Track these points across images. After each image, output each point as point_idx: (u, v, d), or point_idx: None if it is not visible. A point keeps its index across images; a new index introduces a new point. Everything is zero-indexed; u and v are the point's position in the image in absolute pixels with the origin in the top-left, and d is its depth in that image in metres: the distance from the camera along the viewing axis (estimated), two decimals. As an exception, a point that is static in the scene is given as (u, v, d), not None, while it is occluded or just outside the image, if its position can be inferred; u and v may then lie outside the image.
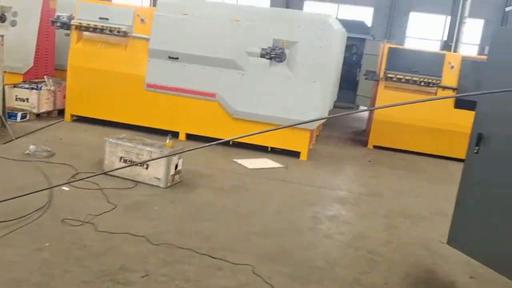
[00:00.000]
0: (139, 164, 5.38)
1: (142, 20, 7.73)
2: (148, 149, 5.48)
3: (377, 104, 8.72)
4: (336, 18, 18.60)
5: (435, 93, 8.43)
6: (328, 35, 7.20)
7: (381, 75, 8.64)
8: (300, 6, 25.13)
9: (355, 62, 14.30)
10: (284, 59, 7.33)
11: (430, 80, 8.35)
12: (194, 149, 3.96)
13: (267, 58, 7.30)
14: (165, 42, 7.53)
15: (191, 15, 7.46)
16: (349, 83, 13.71)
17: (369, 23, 24.84)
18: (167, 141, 5.62)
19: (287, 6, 25.11)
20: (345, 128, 10.99)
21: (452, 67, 8.39)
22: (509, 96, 3.47)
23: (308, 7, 25.26)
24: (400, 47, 9.21)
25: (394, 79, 8.48)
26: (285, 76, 7.32)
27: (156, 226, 4.49)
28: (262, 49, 7.28)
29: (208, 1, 8.47)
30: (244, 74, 7.40)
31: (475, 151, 3.84)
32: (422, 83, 8.37)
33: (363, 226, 5.15)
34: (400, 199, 6.22)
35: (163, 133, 6.52)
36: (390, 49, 8.69)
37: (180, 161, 5.63)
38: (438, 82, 8.37)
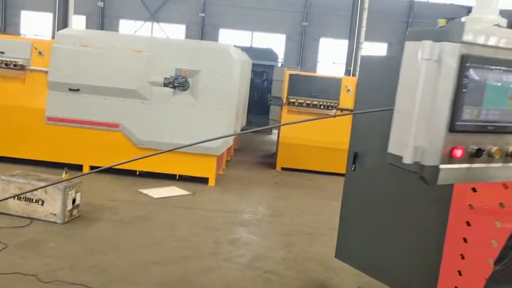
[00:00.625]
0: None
1: (40, 52, 7.57)
2: (42, 184, 5.32)
3: (282, 129, 9.07)
4: (250, 46, 19.01)
5: (335, 116, 8.92)
6: (229, 63, 7.45)
7: (284, 100, 9.03)
8: (215, 35, 25.59)
9: (266, 88, 14.80)
10: (188, 88, 7.46)
11: (329, 104, 8.84)
12: (80, 175, 3.94)
13: (170, 87, 7.38)
14: (64, 74, 7.40)
15: (91, 46, 7.42)
16: (261, 108, 14.16)
17: (282, 49, 25.84)
18: (63, 175, 5.50)
19: (202, 35, 25.49)
20: (257, 152, 11.27)
21: (349, 90, 8.94)
22: (373, 118, 3.81)
23: (223, 35, 25.76)
24: (300, 73, 9.69)
25: (296, 103, 8.90)
26: (190, 104, 7.45)
27: (48, 264, 4.36)
28: (165, 78, 7.36)
29: (109, 32, 8.46)
30: (148, 104, 7.43)
31: (353, 169, 4.15)
32: (322, 107, 8.85)
33: (263, 246, 5.32)
34: (302, 218, 6.48)
35: (67, 166, 6.32)
36: (291, 75, 9.12)
37: (78, 195, 5.52)
38: (336, 105, 8.88)
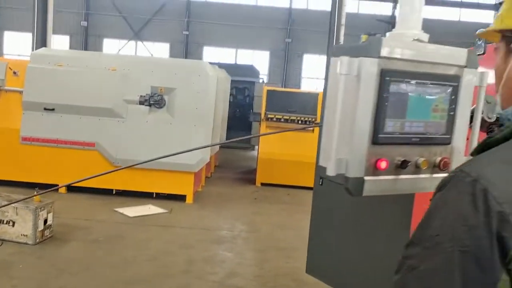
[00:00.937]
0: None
1: (14, 72, 7.55)
2: (13, 205, 5.27)
3: (260, 144, 9.09)
4: (235, 63, 19.05)
5: (313, 131, 8.97)
6: (205, 81, 7.49)
7: (263, 116, 9.08)
8: (199, 53, 25.73)
9: (248, 104, 14.87)
10: (164, 105, 7.48)
11: (306, 119, 8.91)
12: (45, 192, 3.91)
13: (146, 105, 7.39)
14: (39, 94, 7.38)
15: (66, 66, 7.42)
16: (243, 124, 14.19)
17: (266, 66, 26.04)
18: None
19: (187, 53, 25.61)
20: (237, 168, 11.26)
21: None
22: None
23: (207, 52, 25.91)
24: (277, 89, 9.76)
25: (274, 119, 8.96)
26: (166, 121, 7.46)
27: (16, 285, 4.30)
28: (141, 96, 7.37)
29: (84, 51, 8.48)
30: (123, 122, 7.43)
31: (320, 183, 4.17)
32: (300, 122, 8.90)
33: (237, 263, 5.29)
34: (278, 233, 6.47)
35: (42, 187, 6.26)
36: (268, 91, 9.18)
37: (50, 215, 5.46)
38: (314, 119, 8.94)
